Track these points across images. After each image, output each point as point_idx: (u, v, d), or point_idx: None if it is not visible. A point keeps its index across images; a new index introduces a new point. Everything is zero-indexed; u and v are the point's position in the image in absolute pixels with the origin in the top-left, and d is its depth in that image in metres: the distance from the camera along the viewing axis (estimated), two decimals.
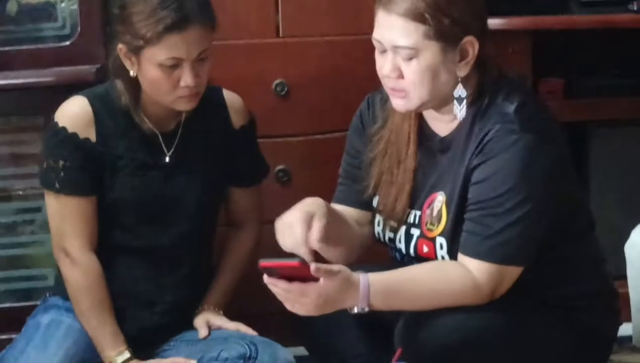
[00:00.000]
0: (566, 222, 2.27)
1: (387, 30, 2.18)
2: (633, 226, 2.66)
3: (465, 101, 2.22)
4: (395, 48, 2.18)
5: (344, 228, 2.32)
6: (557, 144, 2.21)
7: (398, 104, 2.24)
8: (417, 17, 2.14)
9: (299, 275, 2.06)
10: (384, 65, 2.21)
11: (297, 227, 2.14)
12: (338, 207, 2.41)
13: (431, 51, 2.16)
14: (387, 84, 2.23)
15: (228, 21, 2.51)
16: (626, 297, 2.60)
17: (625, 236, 2.64)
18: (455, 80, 2.21)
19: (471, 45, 2.19)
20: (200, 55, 2.36)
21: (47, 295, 2.62)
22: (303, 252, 2.13)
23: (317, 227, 2.15)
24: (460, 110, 2.22)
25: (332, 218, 2.23)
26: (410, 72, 2.18)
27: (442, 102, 2.23)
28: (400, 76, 2.20)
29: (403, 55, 2.17)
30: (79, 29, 3.06)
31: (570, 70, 3.25)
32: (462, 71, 2.20)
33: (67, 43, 3.07)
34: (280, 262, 2.08)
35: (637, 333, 2.62)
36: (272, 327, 2.49)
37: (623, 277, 2.62)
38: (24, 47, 3.09)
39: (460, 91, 2.22)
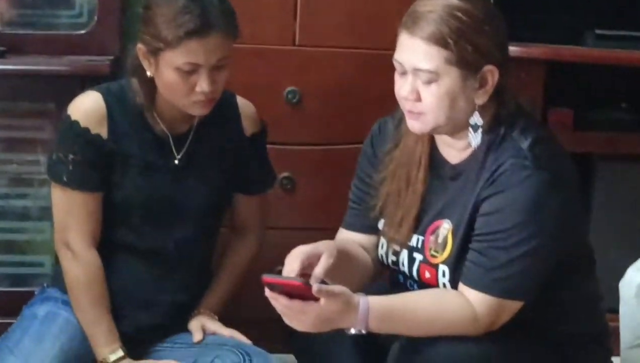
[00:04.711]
0: (569, 260, 2.27)
1: (409, 52, 2.19)
2: (631, 261, 2.67)
3: (480, 129, 2.22)
4: (416, 71, 2.19)
5: (354, 268, 2.34)
6: (569, 183, 2.22)
7: (413, 125, 2.24)
8: (439, 41, 2.15)
9: (301, 293, 2.07)
10: (403, 87, 2.22)
11: (297, 257, 2.17)
12: (347, 233, 2.43)
13: (451, 76, 2.17)
14: (405, 105, 2.24)
15: (245, 25, 2.49)
16: (617, 331, 2.61)
17: (622, 269, 2.65)
18: (472, 108, 2.22)
19: (491, 74, 2.20)
20: (219, 62, 2.36)
21: (45, 285, 2.63)
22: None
23: (322, 263, 2.17)
24: (475, 138, 2.23)
25: (342, 261, 2.25)
26: (429, 96, 2.19)
27: (457, 128, 2.24)
28: (418, 99, 2.20)
29: (423, 79, 2.18)
30: (95, 18, 3.06)
31: (580, 101, 3.26)
32: (480, 99, 2.21)
33: (83, 32, 3.07)
34: (284, 279, 2.09)
35: None
36: (266, 333, 2.49)
37: (616, 311, 2.64)
38: (39, 32, 3.09)
39: (476, 119, 2.22)
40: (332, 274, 2.20)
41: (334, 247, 2.23)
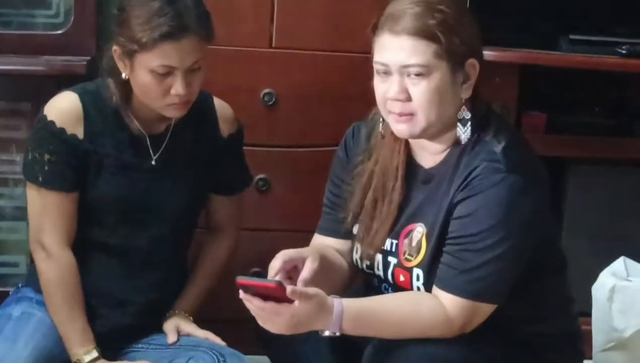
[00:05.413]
0: (540, 262, 2.28)
1: (394, 51, 2.17)
2: (603, 264, 2.69)
3: (469, 123, 2.22)
4: (405, 68, 2.17)
5: (332, 274, 2.35)
6: (540, 186, 2.23)
7: (401, 129, 2.22)
8: (427, 35, 2.15)
9: (275, 295, 2.08)
10: (390, 89, 2.20)
11: (280, 258, 2.19)
12: (322, 238, 2.44)
13: (441, 71, 2.17)
14: (393, 108, 2.21)
15: (222, 27, 2.50)
16: (590, 334, 2.63)
17: (594, 273, 2.67)
18: (458, 103, 2.22)
19: (473, 67, 2.21)
20: (194, 65, 2.36)
21: (20, 285, 2.62)
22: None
23: (308, 267, 2.19)
24: (464, 132, 2.23)
25: (322, 267, 2.25)
26: (419, 93, 2.18)
27: (445, 126, 2.23)
28: (409, 98, 2.19)
29: (413, 76, 2.17)
30: (72, 19, 3.06)
31: (552, 104, 3.28)
32: (465, 93, 2.22)
33: (59, 32, 3.07)
34: (258, 281, 2.09)
35: None
36: (241, 335, 2.48)
37: (588, 314, 2.66)
38: (15, 31, 3.08)
39: (464, 113, 2.23)
40: (312, 280, 2.20)
41: (317, 252, 2.25)
